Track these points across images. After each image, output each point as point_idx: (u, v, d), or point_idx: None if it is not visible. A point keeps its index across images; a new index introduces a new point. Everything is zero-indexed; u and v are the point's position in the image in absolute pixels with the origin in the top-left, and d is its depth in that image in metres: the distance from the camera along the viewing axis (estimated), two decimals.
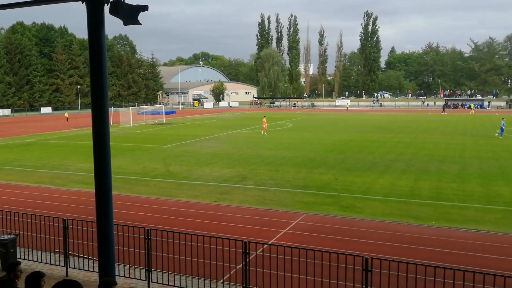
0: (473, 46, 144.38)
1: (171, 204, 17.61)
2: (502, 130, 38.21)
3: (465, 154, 29.04)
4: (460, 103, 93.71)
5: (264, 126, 44.39)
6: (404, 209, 16.48)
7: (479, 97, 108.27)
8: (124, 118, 57.34)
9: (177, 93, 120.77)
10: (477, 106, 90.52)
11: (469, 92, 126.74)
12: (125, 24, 7.84)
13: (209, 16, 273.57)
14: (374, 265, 8.25)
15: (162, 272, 10.03)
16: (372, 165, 25.51)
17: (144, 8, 7.73)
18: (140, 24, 7.79)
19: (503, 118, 39.76)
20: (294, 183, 21.06)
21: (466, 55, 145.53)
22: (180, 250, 9.74)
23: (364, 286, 8.20)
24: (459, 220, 14.97)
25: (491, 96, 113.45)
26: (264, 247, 10.55)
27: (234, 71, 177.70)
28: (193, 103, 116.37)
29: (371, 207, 16.78)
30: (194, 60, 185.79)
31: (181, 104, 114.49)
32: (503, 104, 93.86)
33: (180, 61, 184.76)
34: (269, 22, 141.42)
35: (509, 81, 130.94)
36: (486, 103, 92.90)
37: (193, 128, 51.65)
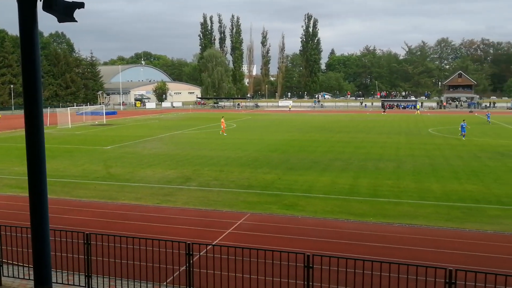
0: (407, 50, 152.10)
1: (112, 207, 17.17)
2: (463, 130, 37.93)
3: (400, 153, 30.49)
4: (395, 104, 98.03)
5: (222, 126, 44.08)
6: (343, 206, 17.06)
7: (413, 98, 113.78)
8: (62, 119, 55.02)
9: (118, 93, 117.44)
10: (411, 107, 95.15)
11: (403, 93, 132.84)
12: (59, 21, 7.59)
13: (150, 15, 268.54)
14: (316, 262, 8.48)
15: (103, 277, 9.78)
16: (313, 164, 26.16)
17: (80, 5, 7.51)
18: (76, 21, 7.56)
19: (463, 120, 39.89)
20: (238, 183, 21.18)
21: (401, 58, 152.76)
22: (122, 254, 9.54)
23: (306, 283, 8.41)
24: (395, 216, 15.73)
25: (423, 97, 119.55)
26: (208, 248, 10.55)
27: (177, 71, 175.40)
28: (135, 104, 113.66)
29: (312, 205, 17.23)
30: (135, 59, 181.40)
31: (123, 104, 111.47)
32: (434, 104, 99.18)
33: (121, 61, 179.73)
34: (211, 22, 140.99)
35: (440, 83, 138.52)
36: (419, 104, 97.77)
37: (135, 129, 50.50)
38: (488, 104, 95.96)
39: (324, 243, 13.07)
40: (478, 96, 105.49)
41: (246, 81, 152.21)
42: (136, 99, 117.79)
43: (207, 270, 9.02)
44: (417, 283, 7.92)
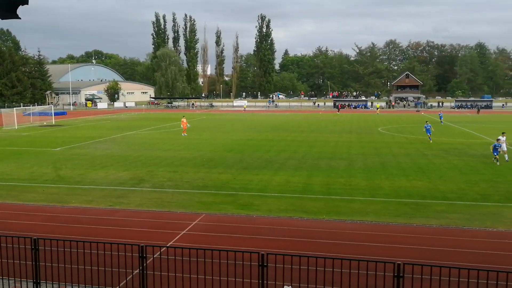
0: (358, 51, 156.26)
1: (62, 211, 16.62)
2: (428, 132, 36.59)
3: (351, 151, 31.30)
4: (347, 104, 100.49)
5: (183, 127, 43.35)
6: (297, 204, 17.34)
7: (363, 98, 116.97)
8: (8, 120, 52.59)
9: (68, 93, 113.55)
10: (361, 106, 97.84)
11: (354, 93, 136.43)
12: (1, 18, 7.27)
13: (102, 13, 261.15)
14: (270, 260, 8.60)
15: (52, 284, 9.48)
16: (268, 163, 26.40)
17: (24, 1, 7.22)
18: (20, 18, 7.27)
19: (426, 121, 38.43)
20: (193, 183, 21.06)
21: (352, 59, 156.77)
22: (72, 259, 9.29)
23: (260, 281, 8.51)
24: (347, 213, 16.16)
25: (373, 97, 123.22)
26: (162, 250, 10.45)
27: (130, 70, 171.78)
28: (86, 104, 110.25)
29: (267, 204, 17.40)
30: (86, 58, 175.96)
31: (73, 104, 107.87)
32: (383, 104, 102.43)
33: (71, 59, 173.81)
34: (165, 21, 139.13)
35: (388, 83, 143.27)
36: (369, 103, 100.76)
37: (86, 130, 49.01)
38: (433, 104, 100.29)
39: (279, 241, 13.24)
40: (424, 96, 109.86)
41: (200, 80, 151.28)
42: (87, 99, 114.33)
43: (161, 272, 8.94)
44: (368, 277, 8.20)
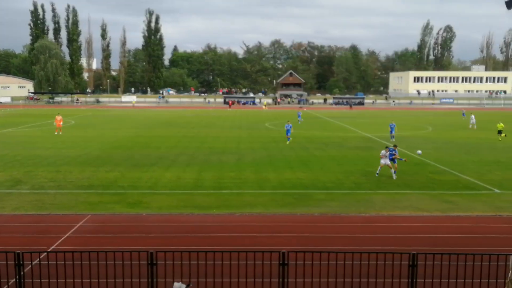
0: (245, 49, 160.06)
1: None
2: (288, 133, 34.18)
3: (241, 146, 32.12)
4: (237, 100, 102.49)
5: (56, 125, 40.02)
6: (189, 200, 17.38)
7: (251, 95, 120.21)
8: None
9: None
10: (250, 103, 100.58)
11: (243, 90, 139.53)
12: None
13: None
14: (160, 258, 8.54)
15: None
16: (158, 160, 26.00)
17: None
18: None
19: (288, 121, 36.49)
20: (78, 183, 19.99)
21: (240, 56, 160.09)
22: None
23: (150, 280, 8.42)
24: (237, 206, 16.59)
25: (261, 94, 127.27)
26: (42, 256, 9.80)
27: (4, 63, 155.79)
28: None
29: (157, 201, 17.17)
30: None
31: None
32: (270, 101, 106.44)
33: None
34: (44, 11, 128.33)
35: (274, 81, 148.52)
36: (257, 100, 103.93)
37: None
38: (315, 101, 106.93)
39: (170, 238, 13.17)
40: (306, 93, 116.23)
41: (85, 75, 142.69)
42: None
43: (41, 279, 8.41)
44: (255, 267, 8.56)
